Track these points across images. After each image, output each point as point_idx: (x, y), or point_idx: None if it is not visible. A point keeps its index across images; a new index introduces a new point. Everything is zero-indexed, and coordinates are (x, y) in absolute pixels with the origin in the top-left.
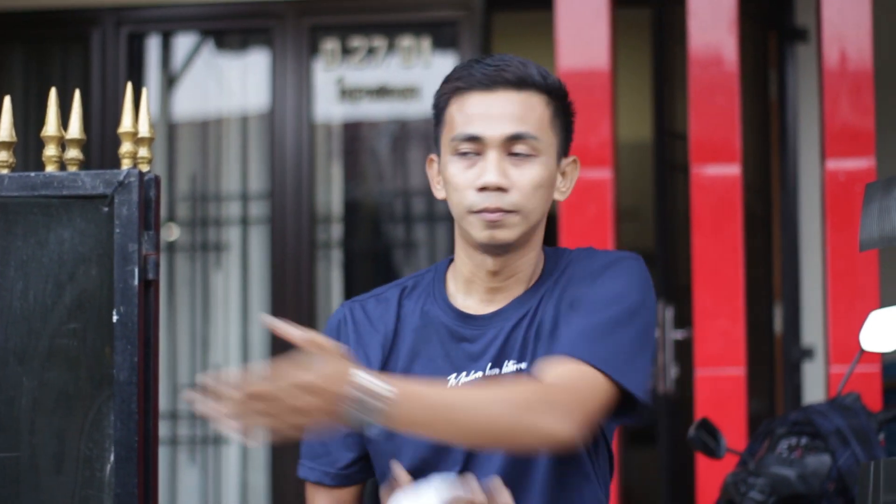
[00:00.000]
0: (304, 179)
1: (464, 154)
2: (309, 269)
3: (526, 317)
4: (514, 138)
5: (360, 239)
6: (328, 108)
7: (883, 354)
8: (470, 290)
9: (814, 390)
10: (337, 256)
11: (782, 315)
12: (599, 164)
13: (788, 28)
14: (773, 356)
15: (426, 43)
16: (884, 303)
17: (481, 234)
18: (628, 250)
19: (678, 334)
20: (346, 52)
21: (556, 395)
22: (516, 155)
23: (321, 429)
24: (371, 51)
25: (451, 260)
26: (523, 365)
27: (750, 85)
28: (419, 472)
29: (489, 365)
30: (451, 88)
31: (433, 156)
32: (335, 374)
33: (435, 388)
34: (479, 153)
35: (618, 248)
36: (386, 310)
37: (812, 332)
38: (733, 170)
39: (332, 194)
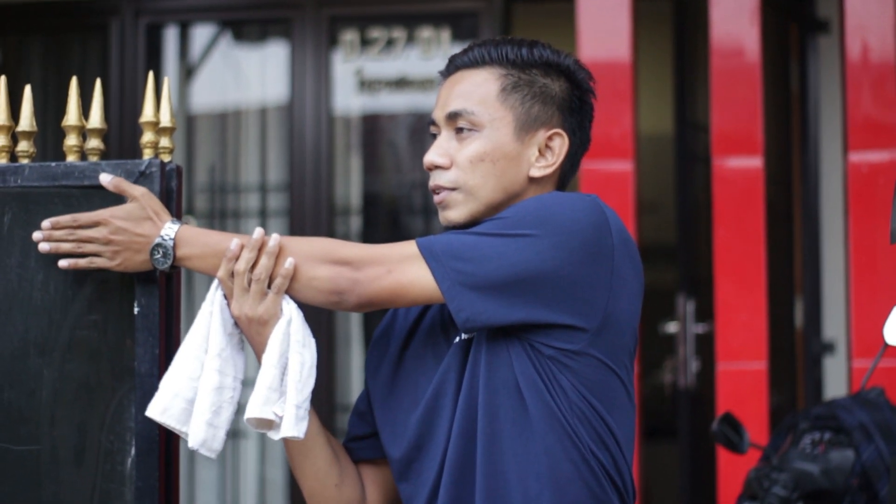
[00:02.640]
0: (323, 171)
1: (432, 137)
2: None
3: None
4: (453, 115)
5: (379, 231)
6: (347, 99)
7: None
8: None
9: (835, 384)
10: None
11: (803, 309)
12: (620, 155)
13: (810, 19)
14: (794, 350)
15: (445, 34)
16: None
17: (440, 217)
18: (649, 243)
19: (699, 328)
20: (366, 43)
21: (342, 251)
22: (462, 131)
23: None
24: (390, 42)
25: None
26: None
27: (771, 77)
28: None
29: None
30: (440, 77)
31: None
32: (136, 215)
33: (221, 233)
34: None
35: (639, 242)
36: None
37: (833, 325)
38: (755, 162)
39: (350, 186)
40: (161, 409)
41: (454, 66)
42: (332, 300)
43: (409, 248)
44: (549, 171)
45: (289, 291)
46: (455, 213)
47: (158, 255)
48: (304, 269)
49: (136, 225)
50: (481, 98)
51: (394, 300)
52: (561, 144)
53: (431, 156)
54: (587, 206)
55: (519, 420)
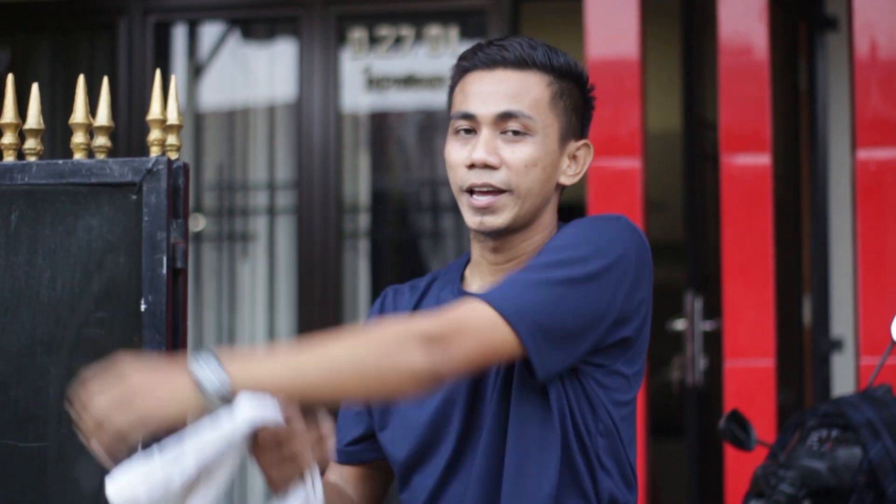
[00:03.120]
0: (331, 169)
1: (461, 132)
2: (336, 259)
3: None
4: (506, 116)
5: (387, 229)
6: (355, 97)
7: None
8: (477, 273)
9: (843, 382)
10: (364, 246)
11: (811, 306)
12: (628, 153)
13: (818, 17)
14: (801, 348)
15: (454, 32)
16: None
17: (472, 220)
18: (657, 241)
19: (707, 325)
20: (374, 41)
21: (422, 328)
22: (512, 133)
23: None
24: (398, 40)
25: None
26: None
27: (779, 74)
28: (412, 463)
29: None
30: (458, 69)
31: None
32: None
33: (275, 358)
34: (474, 131)
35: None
36: (412, 297)
37: (841, 323)
38: (763, 159)
39: (359, 184)
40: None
41: (493, 61)
42: (432, 382)
43: (486, 311)
44: (576, 179)
45: (378, 388)
46: (500, 218)
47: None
48: (396, 358)
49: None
50: (534, 102)
51: (482, 366)
52: (586, 154)
53: (483, 153)
54: (632, 234)
55: (546, 436)
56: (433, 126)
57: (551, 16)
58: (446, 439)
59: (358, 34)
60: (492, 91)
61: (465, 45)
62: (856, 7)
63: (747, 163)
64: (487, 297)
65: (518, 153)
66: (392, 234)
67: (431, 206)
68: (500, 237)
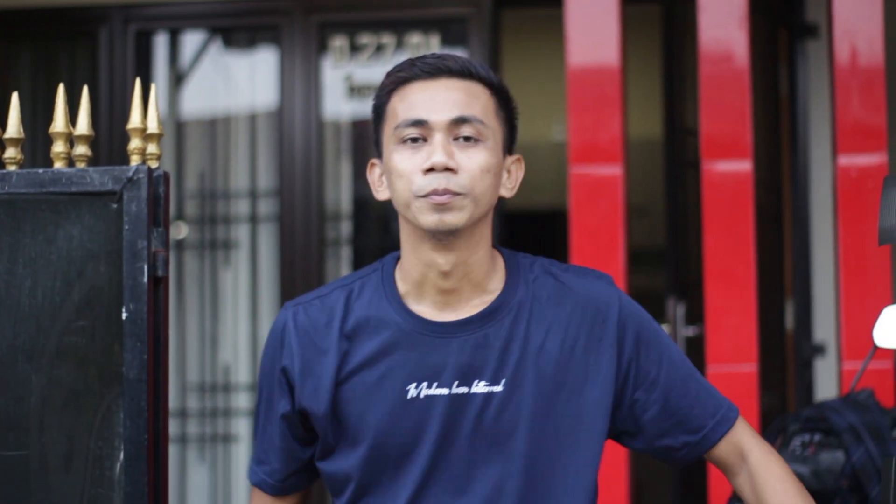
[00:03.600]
0: (313, 177)
1: (408, 141)
2: (318, 266)
3: (499, 336)
4: (460, 121)
5: (369, 236)
6: (337, 105)
7: (895, 350)
8: (421, 294)
9: (825, 387)
10: (346, 254)
11: (793, 311)
12: (610, 160)
13: (799, 24)
14: (784, 353)
15: (435, 40)
16: None
17: (429, 219)
18: (639, 247)
19: (690, 331)
20: (355, 49)
21: None
22: (463, 139)
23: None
24: (380, 48)
25: (398, 258)
26: (497, 388)
27: (760, 81)
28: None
29: (456, 382)
30: (393, 81)
31: (374, 160)
32: None
33: None
34: (424, 139)
35: (629, 246)
36: (332, 314)
37: (823, 328)
38: (745, 166)
39: (340, 192)
40: None
41: (436, 70)
42: None
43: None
44: (513, 192)
45: None
46: (457, 217)
47: None
48: None
49: None
50: (483, 109)
51: None
52: (518, 168)
53: (443, 157)
54: None
55: (576, 454)
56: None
57: (532, 23)
58: (424, 440)
59: (339, 42)
60: (442, 98)
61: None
62: (836, 14)
63: (728, 169)
64: (731, 409)
65: (474, 158)
66: (374, 241)
67: None
68: (451, 244)
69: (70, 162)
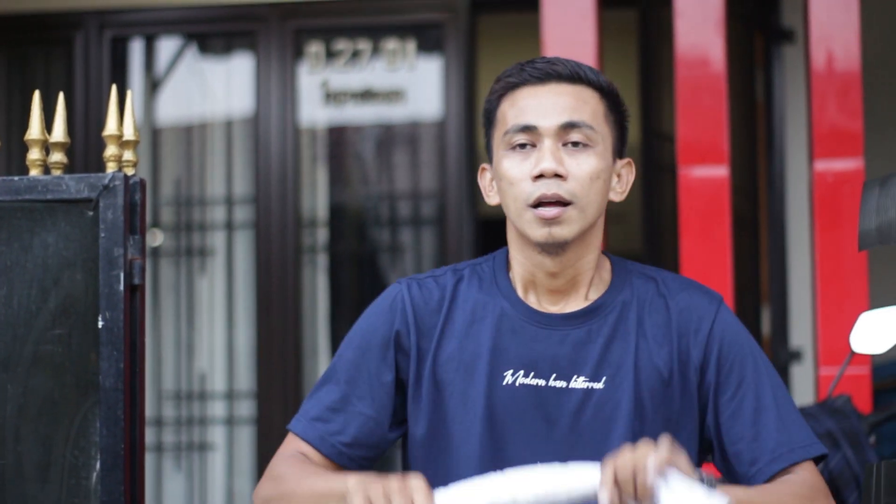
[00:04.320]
0: (289, 183)
1: (517, 147)
2: (294, 273)
3: (601, 333)
4: (569, 126)
5: (346, 243)
6: (313, 111)
7: (872, 356)
8: (528, 288)
9: (802, 392)
10: (322, 261)
11: (770, 317)
12: None
13: (775, 29)
14: None
15: (411, 45)
16: (873, 304)
17: (538, 233)
18: (616, 252)
19: None
20: (331, 55)
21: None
22: (572, 145)
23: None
24: (356, 54)
25: (507, 253)
26: (597, 385)
27: (736, 86)
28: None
29: (554, 375)
30: (503, 87)
31: (485, 165)
32: None
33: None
34: (533, 144)
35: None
36: (443, 293)
37: (800, 334)
38: (721, 171)
39: (317, 198)
40: None
41: (545, 75)
42: None
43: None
44: (623, 196)
45: None
46: (566, 230)
47: None
48: None
49: None
50: (593, 114)
51: None
52: (629, 172)
53: (552, 163)
54: None
55: None
56: (391, 140)
57: (508, 29)
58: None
59: (315, 48)
60: (551, 103)
61: (423, 59)
62: (812, 19)
63: (705, 174)
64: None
65: (583, 165)
66: (351, 248)
67: (390, 221)
68: (560, 254)
69: (46, 169)
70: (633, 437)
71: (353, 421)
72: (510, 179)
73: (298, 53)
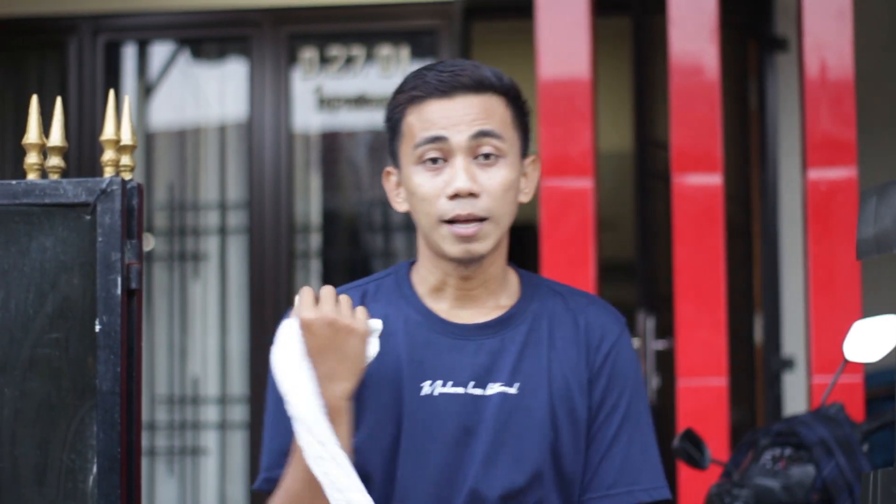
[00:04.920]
0: (283, 189)
1: (428, 161)
2: (287, 278)
3: (515, 342)
4: (480, 135)
5: (339, 248)
6: (306, 117)
7: (865, 364)
8: (438, 297)
9: (794, 401)
10: (315, 266)
11: (763, 325)
12: (580, 173)
13: (769, 37)
14: (753, 366)
15: (405, 52)
16: (866, 313)
17: (455, 249)
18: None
19: (659, 344)
20: (325, 61)
21: None
22: (483, 157)
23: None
24: (349, 60)
25: (412, 263)
26: (511, 390)
27: (730, 94)
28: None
29: (471, 383)
30: (407, 98)
31: (390, 168)
32: None
33: None
34: (445, 159)
35: (599, 260)
36: None
37: (792, 342)
38: (714, 179)
39: (310, 204)
40: None
41: (450, 87)
42: None
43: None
44: (530, 196)
45: None
46: (484, 245)
47: None
48: None
49: None
50: (502, 122)
51: None
52: (534, 168)
53: (467, 182)
54: None
55: (576, 462)
56: (385, 146)
57: (502, 35)
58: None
59: (309, 54)
60: (460, 116)
61: (417, 66)
62: (806, 28)
63: (698, 182)
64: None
65: (496, 178)
66: (344, 253)
67: (383, 226)
68: (475, 265)
69: (43, 173)
70: (548, 446)
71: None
72: (422, 196)
73: (292, 59)
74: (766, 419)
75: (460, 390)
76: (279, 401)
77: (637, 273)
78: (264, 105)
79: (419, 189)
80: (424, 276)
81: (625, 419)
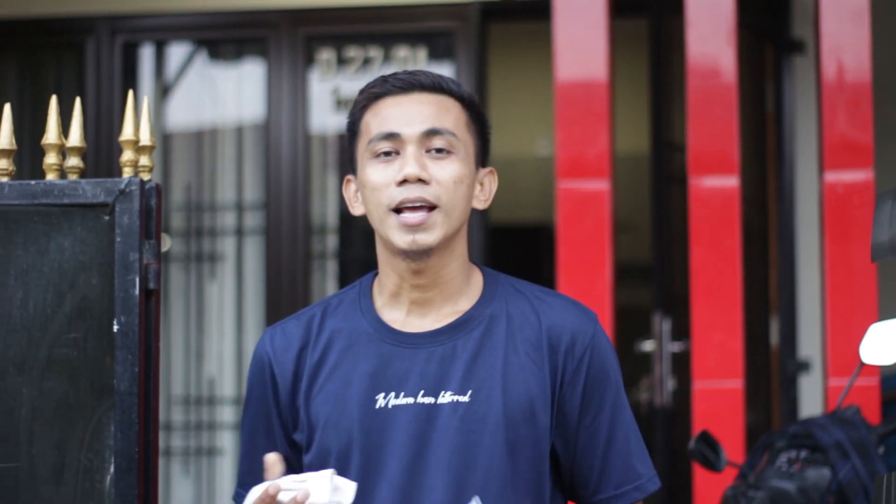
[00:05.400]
0: (300, 190)
1: (381, 155)
2: (304, 279)
3: (467, 348)
4: (432, 133)
5: (355, 250)
6: (323, 118)
7: (881, 367)
8: (396, 304)
9: (810, 403)
10: (332, 267)
11: (779, 328)
12: (597, 175)
13: (786, 40)
14: (769, 369)
15: (422, 53)
16: (882, 316)
17: (402, 239)
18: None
19: (675, 346)
20: (342, 62)
21: None
22: (435, 151)
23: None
24: (367, 61)
25: (376, 274)
26: (463, 398)
27: (747, 97)
28: None
29: (421, 392)
30: (366, 97)
31: (350, 176)
32: None
33: None
34: (397, 152)
35: (615, 262)
36: (307, 328)
37: (808, 344)
38: (731, 181)
39: (327, 205)
40: None
41: (408, 85)
42: None
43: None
44: (487, 204)
45: None
46: (432, 236)
47: None
48: None
49: None
50: (455, 122)
51: None
52: (491, 181)
53: (416, 168)
54: None
55: (534, 470)
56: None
57: (520, 37)
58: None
59: (326, 55)
60: (414, 112)
61: (433, 67)
62: (823, 30)
63: (715, 185)
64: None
65: (447, 169)
66: (360, 254)
67: None
68: (425, 259)
69: (62, 174)
70: (505, 450)
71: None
72: (373, 185)
73: (309, 60)
74: (781, 422)
75: (411, 400)
76: (253, 427)
77: (653, 275)
78: (281, 106)
79: (370, 178)
80: (384, 283)
81: (614, 415)
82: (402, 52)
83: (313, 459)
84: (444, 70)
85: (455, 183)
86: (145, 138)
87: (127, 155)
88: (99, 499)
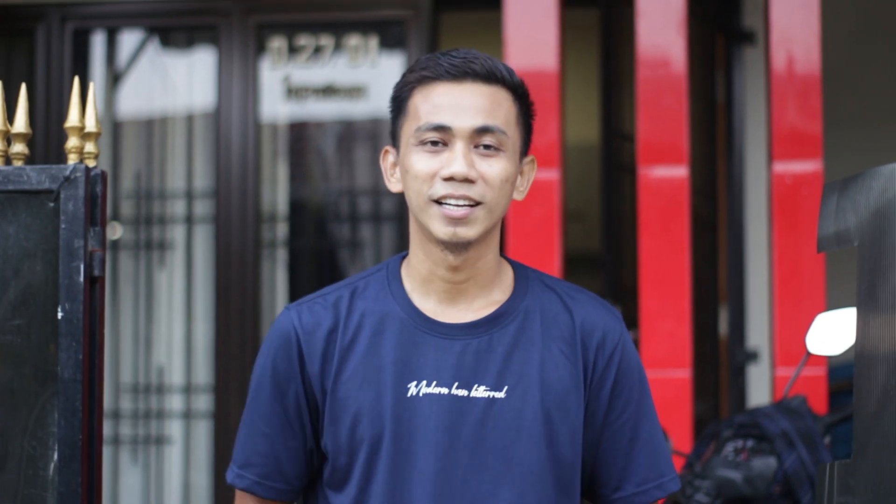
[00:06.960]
0: (250, 178)
1: (428, 144)
2: (254, 268)
3: (503, 342)
4: (483, 130)
5: (306, 238)
6: (274, 106)
7: (828, 357)
8: (427, 291)
9: (758, 393)
10: (282, 256)
11: (727, 317)
12: (547, 165)
13: (736, 31)
14: (717, 358)
15: (373, 42)
16: (830, 306)
17: (443, 231)
18: (575, 251)
19: None
20: (293, 50)
21: None
22: (484, 147)
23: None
24: (318, 49)
25: (404, 256)
26: (498, 394)
27: (697, 87)
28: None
29: (455, 384)
30: (417, 78)
31: (389, 147)
32: None
33: None
34: (445, 143)
35: (565, 251)
36: (336, 309)
37: (757, 334)
38: (681, 171)
39: (277, 193)
40: None
41: (462, 73)
42: None
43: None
44: (525, 194)
45: None
46: (473, 230)
47: None
48: None
49: None
50: (506, 119)
51: None
52: (531, 168)
53: (464, 167)
54: None
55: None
56: (352, 136)
57: (470, 27)
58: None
59: (277, 43)
60: (467, 104)
61: (385, 56)
62: (773, 21)
63: (664, 175)
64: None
65: (495, 168)
66: (310, 243)
67: (350, 216)
68: (463, 253)
69: (7, 160)
70: (543, 446)
71: (283, 457)
72: (416, 174)
73: (260, 48)
74: (729, 411)
75: (445, 391)
76: (269, 403)
77: (603, 264)
78: (232, 94)
79: (414, 167)
80: (414, 267)
81: (639, 413)
82: (353, 40)
83: (339, 441)
84: (396, 60)
85: (502, 182)
86: (91, 125)
87: (72, 141)
88: (42, 486)
